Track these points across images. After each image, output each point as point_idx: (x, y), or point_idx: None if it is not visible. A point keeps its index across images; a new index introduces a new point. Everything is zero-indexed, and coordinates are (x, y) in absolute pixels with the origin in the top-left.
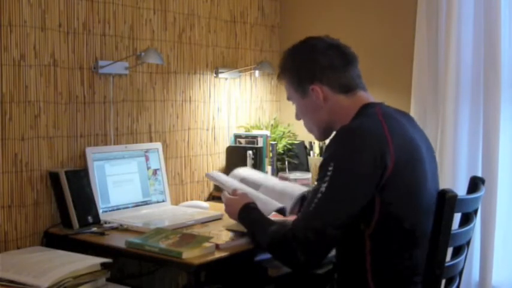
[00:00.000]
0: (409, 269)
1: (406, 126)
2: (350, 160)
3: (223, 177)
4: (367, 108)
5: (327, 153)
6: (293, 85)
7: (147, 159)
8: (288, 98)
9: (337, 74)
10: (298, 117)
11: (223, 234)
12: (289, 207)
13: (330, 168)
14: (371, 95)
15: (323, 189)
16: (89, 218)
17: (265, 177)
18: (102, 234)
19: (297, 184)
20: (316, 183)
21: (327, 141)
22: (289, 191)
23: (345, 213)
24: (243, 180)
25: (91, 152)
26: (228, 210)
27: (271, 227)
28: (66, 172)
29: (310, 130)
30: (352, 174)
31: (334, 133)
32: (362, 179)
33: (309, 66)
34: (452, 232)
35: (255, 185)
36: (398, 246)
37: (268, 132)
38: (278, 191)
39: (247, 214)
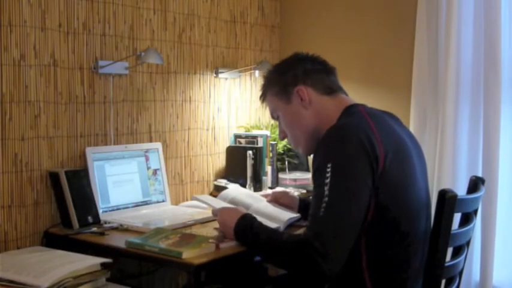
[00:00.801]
0: (404, 264)
1: (391, 123)
2: (345, 156)
3: (210, 199)
4: (350, 108)
5: (320, 156)
6: (277, 93)
7: (147, 159)
8: (272, 113)
9: (319, 76)
10: (282, 135)
11: (223, 234)
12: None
13: (328, 170)
14: (352, 99)
15: (327, 192)
16: (89, 218)
17: (255, 198)
18: (102, 234)
19: (285, 210)
20: (315, 187)
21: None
22: (279, 216)
23: (355, 211)
24: (233, 201)
25: (91, 152)
26: (223, 220)
27: (281, 237)
28: (66, 172)
29: (296, 143)
30: (351, 171)
31: (323, 135)
32: (361, 172)
33: (292, 71)
34: (452, 232)
35: (245, 207)
36: (393, 242)
37: (268, 132)
38: (268, 214)
39: (250, 223)
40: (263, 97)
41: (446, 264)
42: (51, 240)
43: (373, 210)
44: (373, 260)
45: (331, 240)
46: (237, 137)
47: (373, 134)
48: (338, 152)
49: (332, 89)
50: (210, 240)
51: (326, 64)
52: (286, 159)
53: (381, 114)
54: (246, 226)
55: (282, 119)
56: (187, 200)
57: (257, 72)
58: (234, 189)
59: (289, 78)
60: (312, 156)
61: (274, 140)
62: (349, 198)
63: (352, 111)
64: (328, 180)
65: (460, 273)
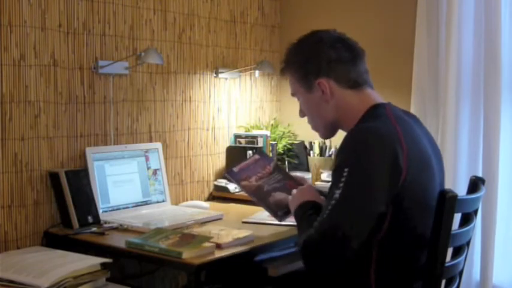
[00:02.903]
0: (414, 272)
1: (416, 129)
2: (365, 164)
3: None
4: (377, 109)
5: (340, 157)
6: (298, 79)
7: (147, 159)
8: (293, 94)
9: (344, 67)
10: (302, 114)
11: (223, 234)
12: None
13: (345, 174)
14: (377, 94)
15: (337, 195)
16: (89, 218)
17: None
18: (102, 234)
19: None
20: (330, 187)
21: (330, 140)
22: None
23: (361, 221)
24: None
25: (91, 152)
26: (302, 193)
27: (306, 230)
28: (66, 172)
29: (315, 128)
30: (366, 180)
31: (345, 135)
32: (377, 184)
33: (316, 60)
34: (452, 232)
35: None
36: (406, 252)
37: (268, 132)
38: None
39: (300, 212)
40: (283, 73)
41: (446, 264)
42: (51, 240)
43: (388, 222)
44: (382, 269)
45: (324, 244)
46: (237, 137)
47: (399, 143)
48: (359, 158)
49: (357, 83)
50: (211, 240)
51: (354, 50)
52: (286, 159)
53: (406, 117)
54: (300, 210)
55: (301, 103)
56: (187, 200)
57: (257, 72)
58: None
59: (312, 68)
60: (314, 153)
61: (274, 140)
62: (357, 207)
63: (379, 113)
64: (341, 185)
65: (460, 273)
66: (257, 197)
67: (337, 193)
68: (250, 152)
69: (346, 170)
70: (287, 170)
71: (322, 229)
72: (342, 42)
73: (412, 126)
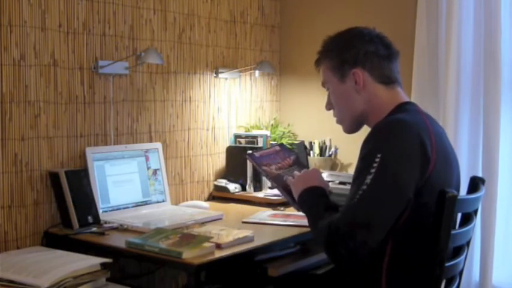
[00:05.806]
0: (425, 268)
1: (442, 131)
2: (398, 152)
3: None
4: (407, 105)
5: (371, 144)
6: (332, 68)
7: (147, 159)
8: (323, 83)
9: (380, 62)
10: (328, 107)
11: (223, 234)
12: None
13: (377, 160)
14: (406, 95)
15: (368, 181)
16: (89, 218)
17: None
18: (102, 234)
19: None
20: (358, 174)
21: (330, 140)
22: None
23: (391, 209)
24: None
25: (91, 152)
26: (297, 181)
27: (321, 219)
28: (66, 172)
29: (340, 120)
30: (400, 168)
31: (374, 126)
32: (409, 172)
33: (354, 50)
34: (452, 232)
35: None
36: (419, 246)
37: (268, 132)
38: None
39: (309, 197)
40: (318, 64)
41: (447, 264)
42: (51, 240)
43: (408, 213)
44: (395, 263)
45: (355, 231)
46: (237, 137)
47: (429, 136)
48: (393, 145)
49: (390, 79)
50: (211, 240)
51: (390, 48)
52: None
53: (433, 119)
54: (304, 201)
55: (331, 93)
56: (187, 200)
57: (257, 72)
58: None
59: (349, 57)
60: (314, 153)
61: (274, 140)
62: (388, 194)
63: (409, 108)
64: (373, 170)
65: (460, 273)
66: (277, 182)
67: (369, 178)
68: (250, 152)
69: (378, 155)
70: None
71: (352, 213)
72: (380, 39)
73: (439, 126)
